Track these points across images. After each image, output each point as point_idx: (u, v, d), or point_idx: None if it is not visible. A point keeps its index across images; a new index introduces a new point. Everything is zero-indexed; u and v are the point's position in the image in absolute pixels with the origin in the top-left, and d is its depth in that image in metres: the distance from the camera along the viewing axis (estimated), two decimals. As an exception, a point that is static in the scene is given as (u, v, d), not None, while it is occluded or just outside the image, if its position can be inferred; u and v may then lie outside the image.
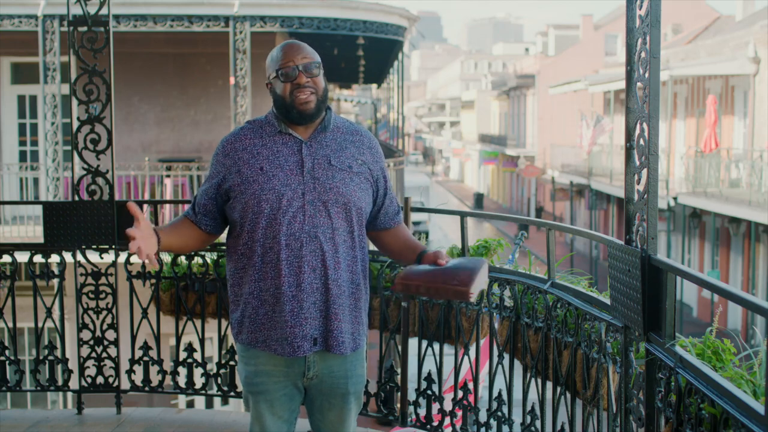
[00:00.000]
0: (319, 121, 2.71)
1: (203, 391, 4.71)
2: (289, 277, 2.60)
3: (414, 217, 6.44)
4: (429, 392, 4.23)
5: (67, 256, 4.65)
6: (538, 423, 3.63)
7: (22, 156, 14.24)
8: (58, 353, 4.69)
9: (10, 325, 4.64)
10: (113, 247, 4.58)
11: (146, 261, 2.54)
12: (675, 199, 19.73)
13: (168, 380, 4.69)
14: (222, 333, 4.55)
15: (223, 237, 2.88)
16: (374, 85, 32.59)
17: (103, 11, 4.51)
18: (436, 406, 4.22)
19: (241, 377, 2.77)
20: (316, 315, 2.63)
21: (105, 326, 4.62)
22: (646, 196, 2.60)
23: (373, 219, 2.84)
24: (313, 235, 2.61)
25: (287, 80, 2.64)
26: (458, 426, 4.07)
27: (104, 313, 4.61)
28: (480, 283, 2.52)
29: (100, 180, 4.58)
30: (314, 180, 2.64)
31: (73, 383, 4.71)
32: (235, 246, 2.71)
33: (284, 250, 2.60)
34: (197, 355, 4.60)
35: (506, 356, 3.90)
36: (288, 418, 2.74)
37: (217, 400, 11.52)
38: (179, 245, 2.80)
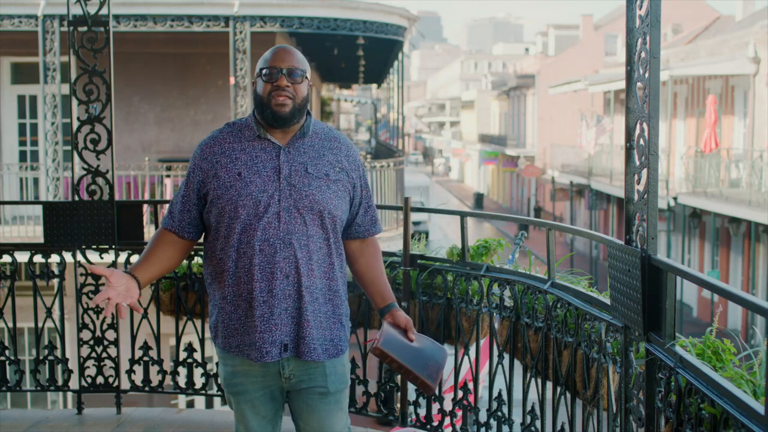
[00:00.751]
0: (298, 126, 2.71)
1: (203, 391, 4.71)
2: (261, 283, 2.60)
3: (414, 217, 6.45)
4: (429, 392, 4.22)
5: (67, 256, 4.65)
6: (538, 423, 3.63)
7: (22, 156, 14.24)
8: (58, 353, 4.69)
9: (10, 325, 4.64)
10: (113, 247, 4.58)
11: (125, 310, 2.57)
12: (675, 199, 19.73)
13: (168, 380, 4.69)
14: (222, 333, 4.54)
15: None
16: (374, 85, 32.60)
17: (103, 11, 4.51)
18: (436, 406, 4.22)
19: (221, 379, 2.77)
20: (288, 321, 2.63)
21: (105, 326, 4.62)
22: (646, 196, 2.60)
23: (347, 227, 2.82)
24: (287, 242, 2.61)
25: (268, 81, 2.65)
26: (458, 426, 4.07)
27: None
28: (442, 374, 2.75)
29: (100, 180, 4.58)
30: (290, 187, 2.64)
31: (73, 383, 4.71)
32: (212, 250, 2.71)
33: (258, 255, 2.60)
34: (197, 355, 4.60)
35: (506, 356, 3.90)
36: (272, 418, 2.73)
37: (217, 400, 11.51)
38: (162, 270, 2.79)
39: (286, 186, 2.64)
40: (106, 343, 4.64)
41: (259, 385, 2.69)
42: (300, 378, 2.69)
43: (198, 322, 4.60)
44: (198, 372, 4.62)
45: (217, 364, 4.54)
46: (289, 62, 2.66)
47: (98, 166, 4.59)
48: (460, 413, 4.08)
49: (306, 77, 2.69)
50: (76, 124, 4.64)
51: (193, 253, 4.59)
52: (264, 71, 2.66)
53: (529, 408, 3.66)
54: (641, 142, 2.62)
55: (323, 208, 2.66)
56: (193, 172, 2.73)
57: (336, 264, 2.72)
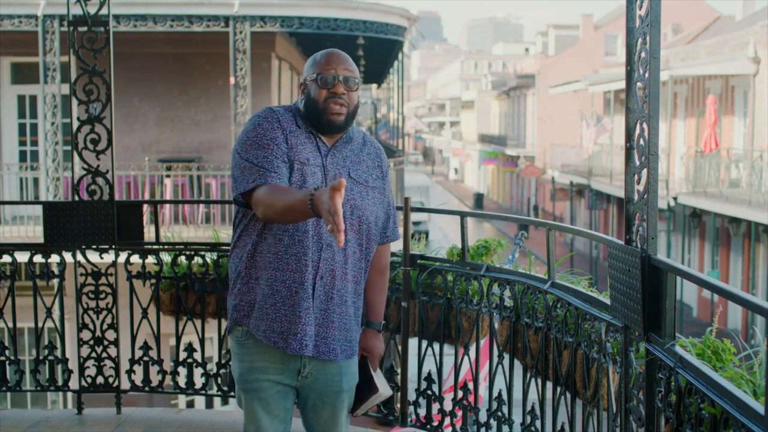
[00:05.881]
0: (341, 132, 2.72)
1: (203, 391, 4.71)
2: (312, 277, 2.61)
3: (414, 217, 6.45)
4: (429, 392, 4.22)
5: (67, 256, 4.65)
6: (538, 423, 3.63)
7: (22, 156, 14.24)
8: (58, 353, 4.69)
9: (10, 325, 4.64)
10: (113, 247, 4.58)
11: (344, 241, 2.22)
12: (675, 199, 19.73)
13: (168, 380, 4.68)
14: (222, 333, 4.54)
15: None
16: (374, 85, 32.58)
17: (103, 11, 4.51)
18: (436, 406, 4.22)
19: (235, 375, 2.75)
20: (320, 321, 2.65)
21: (105, 326, 4.62)
22: (646, 196, 2.60)
23: (382, 231, 2.86)
24: (328, 243, 2.62)
25: (324, 86, 2.63)
26: (458, 426, 4.07)
27: (104, 313, 4.61)
28: (368, 406, 2.97)
29: (100, 180, 4.58)
30: None
31: (73, 383, 4.71)
32: (260, 227, 2.61)
33: (309, 249, 2.60)
34: (197, 355, 4.60)
35: (506, 356, 3.90)
36: (283, 417, 2.73)
37: (217, 400, 11.51)
38: None
39: None
40: (106, 343, 4.64)
41: (275, 382, 2.68)
42: (316, 377, 2.71)
43: (198, 322, 4.60)
44: (198, 372, 4.61)
45: (217, 364, 4.58)
46: (345, 69, 2.65)
47: (98, 166, 4.59)
48: (460, 413, 4.08)
49: (358, 84, 2.68)
50: (76, 124, 4.64)
51: (192, 252, 4.59)
52: (320, 76, 2.63)
53: (529, 408, 3.65)
54: (641, 142, 2.62)
55: (362, 215, 2.67)
56: (270, 133, 2.58)
57: (364, 268, 2.74)
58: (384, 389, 2.95)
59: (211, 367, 4.78)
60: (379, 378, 2.96)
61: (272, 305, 2.62)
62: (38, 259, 4.65)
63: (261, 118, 2.63)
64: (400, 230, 2.98)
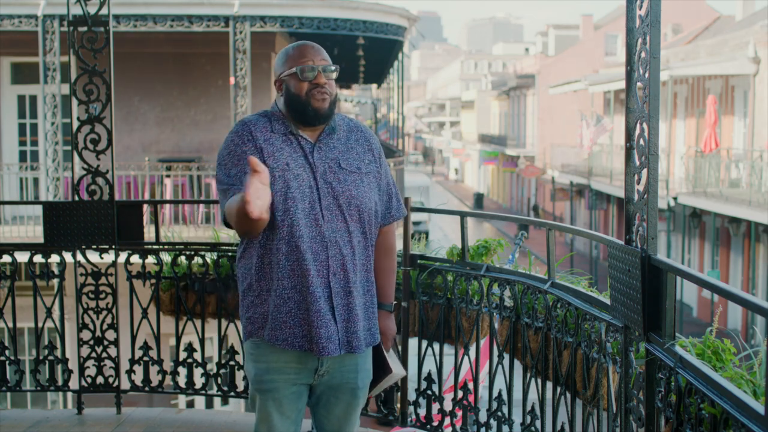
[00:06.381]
0: (325, 123, 2.71)
1: (203, 391, 4.71)
2: (317, 278, 2.60)
3: (414, 217, 6.45)
4: (429, 392, 4.23)
5: (67, 256, 4.65)
6: (538, 423, 3.63)
7: (22, 156, 14.24)
8: (58, 353, 4.69)
9: (10, 325, 4.64)
10: (113, 247, 4.58)
11: (256, 213, 2.24)
12: (675, 199, 19.73)
13: (168, 380, 4.68)
14: (222, 333, 4.54)
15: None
16: (374, 85, 32.55)
17: (103, 11, 4.51)
18: (436, 406, 4.22)
19: (249, 376, 2.73)
20: (341, 318, 2.64)
21: (105, 326, 4.62)
22: (646, 196, 2.60)
23: (386, 211, 2.86)
24: (332, 240, 2.61)
25: (305, 79, 2.63)
26: (458, 426, 4.07)
27: (104, 313, 4.61)
28: (383, 386, 2.96)
29: (100, 180, 4.58)
30: (327, 185, 2.63)
31: (73, 383, 4.71)
32: (261, 239, 2.63)
33: (308, 252, 2.59)
34: (197, 355, 4.60)
35: (506, 356, 3.90)
36: (295, 418, 2.73)
37: (217, 400, 11.52)
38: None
39: (324, 184, 2.63)
40: (106, 343, 4.64)
41: (291, 383, 2.67)
42: (333, 374, 2.71)
43: (198, 322, 4.60)
44: (198, 372, 4.61)
45: (217, 364, 4.58)
46: (321, 59, 2.66)
47: (98, 166, 4.59)
48: (460, 413, 4.08)
49: (335, 72, 2.70)
50: (76, 124, 4.64)
51: (192, 252, 4.59)
52: (299, 69, 2.64)
53: (529, 408, 3.66)
54: (641, 142, 2.62)
55: (360, 203, 2.66)
56: (241, 149, 2.60)
57: (371, 256, 2.74)
58: (397, 369, 2.94)
59: (211, 367, 4.78)
60: (392, 359, 2.94)
61: (287, 312, 2.61)
62: (38, 259, 4.65)
63: (232, 134, 2.68)
64: (404, 209, 2.96)
